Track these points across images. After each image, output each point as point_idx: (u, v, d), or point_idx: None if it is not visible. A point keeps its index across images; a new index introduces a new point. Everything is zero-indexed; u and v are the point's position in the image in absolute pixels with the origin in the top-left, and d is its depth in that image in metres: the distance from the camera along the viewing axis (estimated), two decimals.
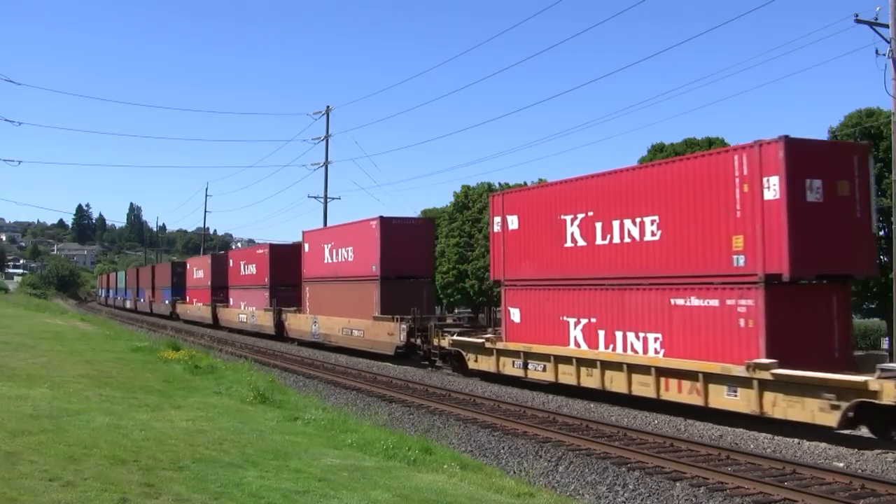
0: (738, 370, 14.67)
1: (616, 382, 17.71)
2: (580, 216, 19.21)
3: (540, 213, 20.81)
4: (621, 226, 17.96)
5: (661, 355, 16.70)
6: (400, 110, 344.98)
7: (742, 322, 14.97)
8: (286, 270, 40.58)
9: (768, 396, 14.28)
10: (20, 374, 15.03)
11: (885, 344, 34.38)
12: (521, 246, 21.52)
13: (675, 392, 16.24)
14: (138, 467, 7.93)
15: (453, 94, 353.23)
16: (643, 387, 16.94)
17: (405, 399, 19.10)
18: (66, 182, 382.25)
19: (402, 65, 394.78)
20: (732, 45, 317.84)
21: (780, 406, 14.09)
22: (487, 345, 22.36)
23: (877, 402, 12.59)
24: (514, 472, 11.69)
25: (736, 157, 15.28)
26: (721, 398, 15.22)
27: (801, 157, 14.58)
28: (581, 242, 19.22)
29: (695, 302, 15.99)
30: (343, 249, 33.07)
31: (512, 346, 21.47)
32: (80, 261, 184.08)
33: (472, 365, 23.46)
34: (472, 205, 48.83)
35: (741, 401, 14.78)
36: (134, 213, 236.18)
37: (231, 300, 49.39)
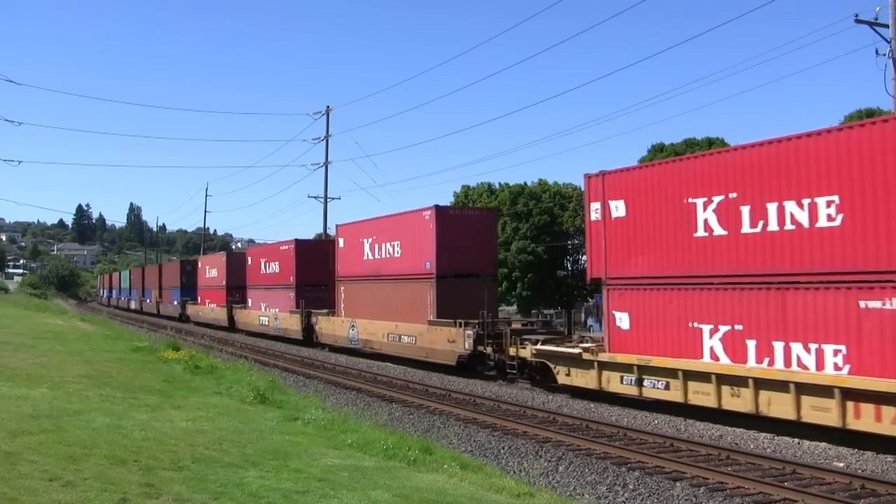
0: None
1: (776, 406, 14.24)
2: (717, 199, 15.64)
3: (656, 197, 17.12)
4: (780, 209, 14.44)
5: (844, 372, 13.23)
6: (400, 110, 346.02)
7: None
8: (313, 268, 36.93)
9: None
10: (20, 374, 15.03)
11: None
12: (629, 237, 17.76)
13: (872, 421, 12.68)
14: (138, 467, 7.93)
15: (453, 93, 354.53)
16: (819, 412, 13.47)
17: (405, 399, 19.12)
18: (66, 182, 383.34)
19: (402, 65, 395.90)
20: (732, 45, 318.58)
21: None
22: (586, 356, 18.53)
23: None
24: (514, 472, 11.69)
25: None
26: None
27: None
28: (719, 231, 15.63)
29: None
30: (388, 244, 28.91)
31: (621, 357, 17.59)
32: (80, 261, 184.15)
33: (562, 380, 19.60)
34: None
35: None
36: (134, 213, 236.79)
37: (250, 301, 45.72)
